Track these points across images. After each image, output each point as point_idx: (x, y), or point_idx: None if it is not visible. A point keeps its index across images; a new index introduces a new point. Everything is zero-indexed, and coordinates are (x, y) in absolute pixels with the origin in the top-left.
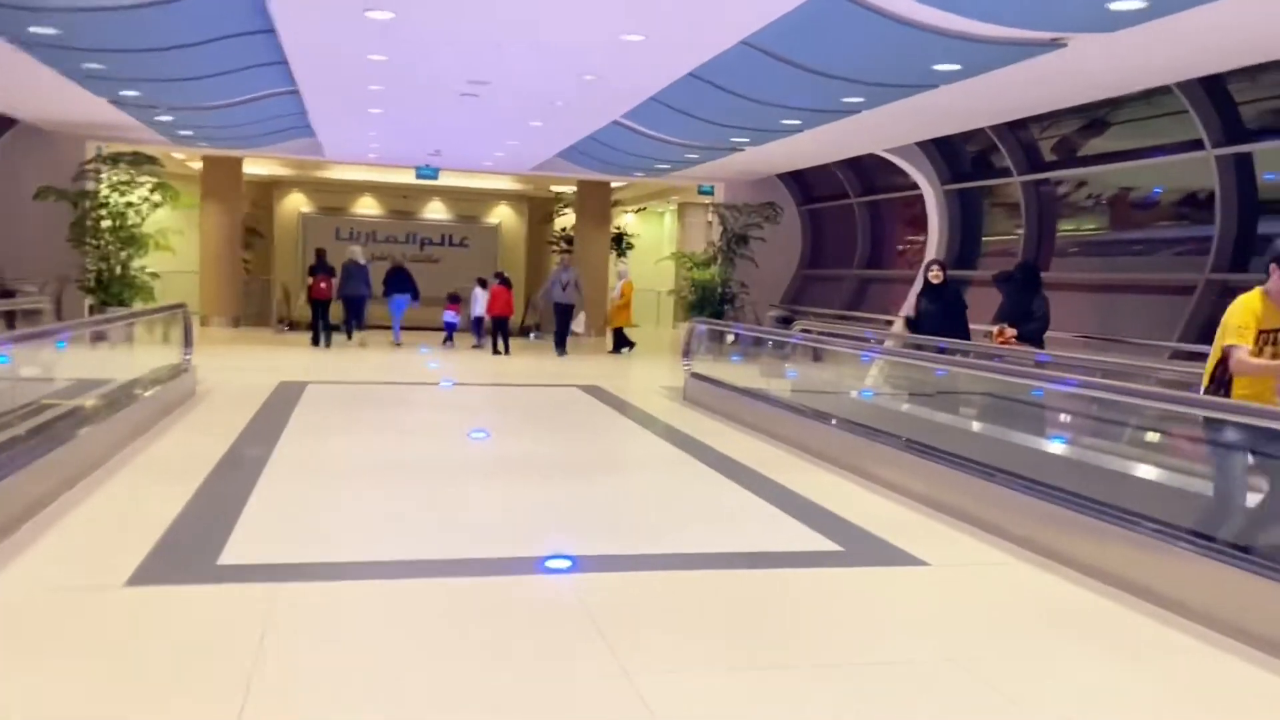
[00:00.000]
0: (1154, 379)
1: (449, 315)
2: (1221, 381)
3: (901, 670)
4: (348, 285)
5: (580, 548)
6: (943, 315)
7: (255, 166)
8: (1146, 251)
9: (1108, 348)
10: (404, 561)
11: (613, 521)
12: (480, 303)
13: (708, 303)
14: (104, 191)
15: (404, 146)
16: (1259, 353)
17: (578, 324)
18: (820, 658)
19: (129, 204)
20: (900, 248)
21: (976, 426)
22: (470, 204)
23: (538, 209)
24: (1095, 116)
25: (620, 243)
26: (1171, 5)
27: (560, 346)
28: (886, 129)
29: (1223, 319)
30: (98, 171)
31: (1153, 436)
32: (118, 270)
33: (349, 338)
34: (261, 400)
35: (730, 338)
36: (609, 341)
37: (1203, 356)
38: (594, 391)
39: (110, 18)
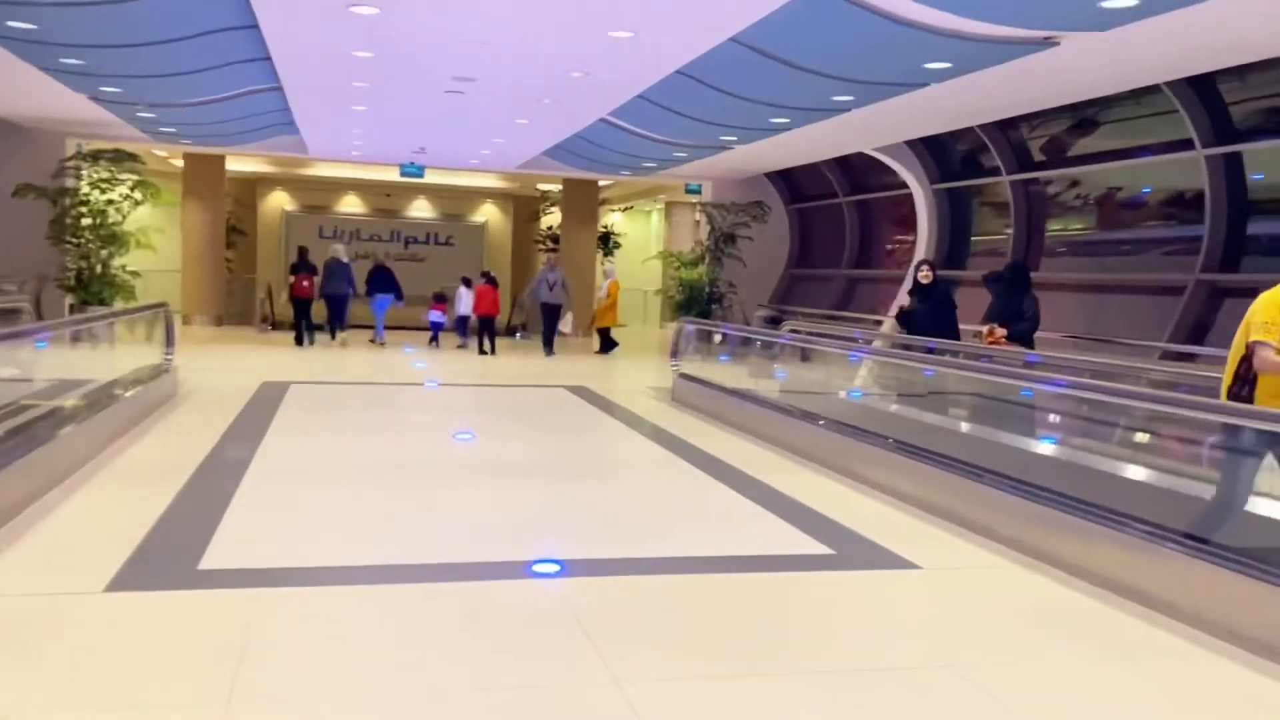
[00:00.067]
0: (1144, 379)
1: (435, 315)
2: (1246, 379)
3: (895, 676)
4: (330, 284)
5: (568, 551)
6: (933, 315)
7: (238, 164)
8: (1136, 251)
9: (1097, 348)
10: (388, 566)
11: (601, 525)
12: (464, 302)
13: (695, 302)
14: (84, 189)
15: (389, 144)
16: None
17: (565, 324)
18: (814, 664)
19: (110, 201)
20: (889, 247)
21: (966, 427)
22: (455, 202)
23: (524, 207)
24: (1085, 116)
25: (607, 242)
26: (1163, 4)
27: (548, 347)
28: (876, 128)
29: (1246, 315)
30: (78, 169)
31: (1142, 437)
32: (98, 269)
33: (332, 337)
34: (244, 401)
35: (718, 338)
36: (595, 342)
37: (1193, 357)
38: (581, 392)
39: (88, 12)
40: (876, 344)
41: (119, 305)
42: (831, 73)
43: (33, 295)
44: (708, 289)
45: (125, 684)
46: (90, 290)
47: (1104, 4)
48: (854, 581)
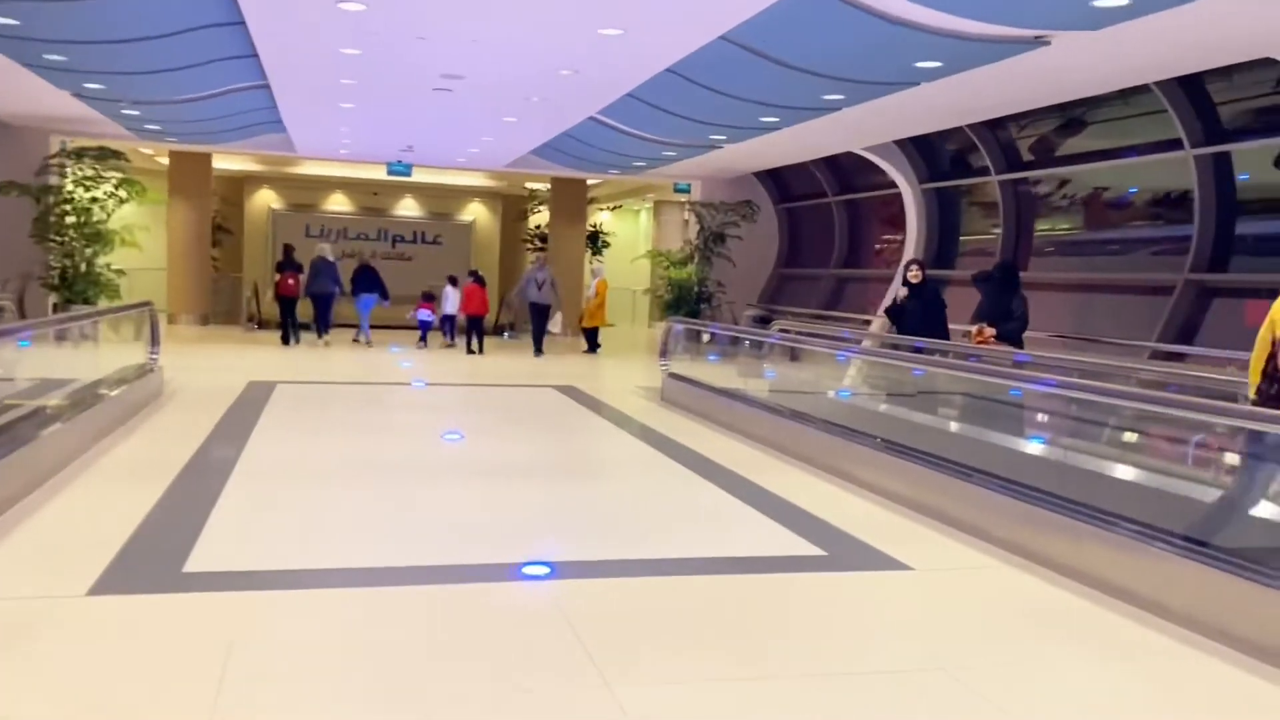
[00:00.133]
0: (1134, 379)
1: (423, 314)
2: (1275, 377)
3: (889, 679)
4: (315, 283)
5: (559, 553)
6: (922, 315)
7: (224, 162)
8: (1124, 251)
9: (1086, 348)
10: (376, 568)
11: (591, 526)
12: (451, 301)
13: (684, 302)
14: (68, 187)
15: (376, 142)
16: None
17: (554, 324)
18: (806, 666)
19: (94, 199)
20: (878, 247)
21: (955, 427)
22: (443, 201)
23: (512, 206)
24: (1073, 116)
25: (595, 241)
26: (1154, 3)
27: (537, 347)
28: (866, 127)
29: (1270, 312)
30: (62, 166)
31: (1131, 436)
32: (82, 267)
33: (319, 336)
34: (230, 401)
35: (707, 337)
36: (584, 342)
37: (1182, 357)
38: (570, 392)
39: (71, 7)
40: (866, 343)
41: (103, 304)
42: (822, 71)
43: (16, 294)
44: (697, 288)
45: (106, 691)
46: (74, 289)
47: (1096, 3)
48: (846, 583)
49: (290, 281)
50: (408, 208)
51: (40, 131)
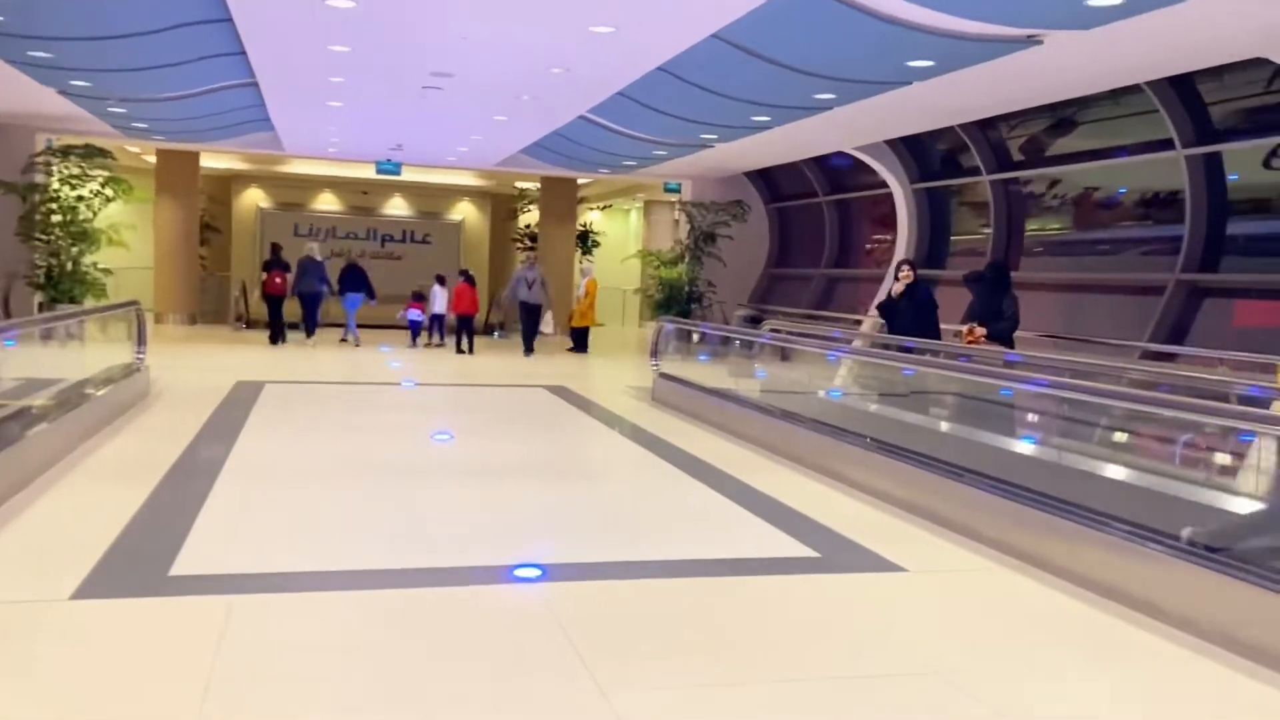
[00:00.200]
0: (1125, 379)
1: (414, 314)
2: None
3: (884, 683)
4: (303, 282)
5: (550, 555)
6: (914, 315)
7: (212, 160)
8: (1115, 251)
9: (1077, 347)
10: (365, 571)
11: (583, 527)
12: (439, 300)
13: (675, 301)
14: (54, 185)
15: (365, 141)
16: None
17: (545, 324)
18: (803, 670)
19: (80, 198)
20: (868, 247)
21: (946, 427)
22: (432, 200)
23: (501, 205)
24: (1064, 116)
25: (586, 240)
26: (1147, 3)
27: (528, 346)
28: (857, 126)
29: None
30: (48, 164)
31: (1122, 436)
32: (69, 266)
33: (308, 336)
34: (218, 401)
35: (698, 337)
36: (570, 340)
37: (1173, 357)
38: (561, 392)
39: (58, 4)
40: (857, 343)
41: (90, 303)
42: (814, 70)
43: (1, 293)
44: (687, 288)
45: (90, 697)
46: (60, 288)
47: (1089, 2)
48: (841, 585)
49: (278, 280)
50: (397, 207)
51: (26, 129)
